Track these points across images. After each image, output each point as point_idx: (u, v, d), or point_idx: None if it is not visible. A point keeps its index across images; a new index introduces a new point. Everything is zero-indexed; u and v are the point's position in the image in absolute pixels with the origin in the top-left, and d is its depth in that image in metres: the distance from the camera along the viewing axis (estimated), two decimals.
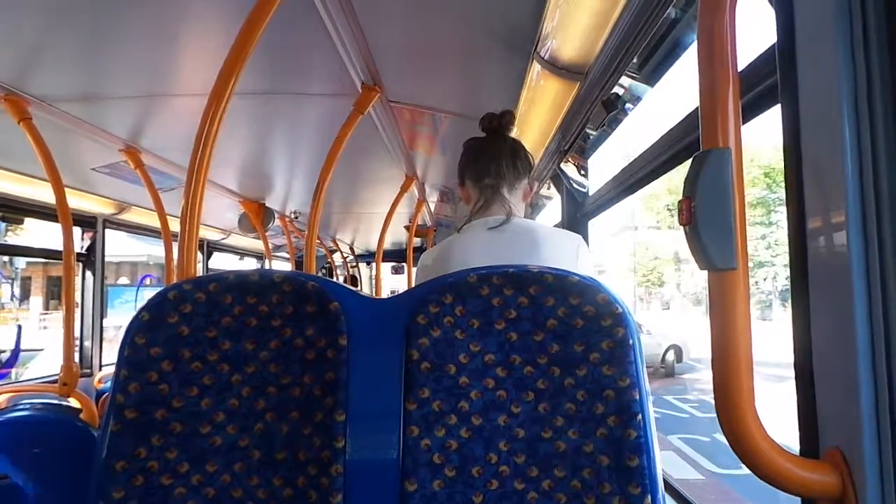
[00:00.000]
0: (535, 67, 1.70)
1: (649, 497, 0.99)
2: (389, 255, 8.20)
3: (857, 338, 0.60)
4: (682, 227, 0.63)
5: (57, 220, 2.55)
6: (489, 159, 1.50)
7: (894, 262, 0.59)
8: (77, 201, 3.46)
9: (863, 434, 0.59)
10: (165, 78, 2.08)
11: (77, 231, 3.36)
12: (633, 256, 35.97)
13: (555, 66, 1.64)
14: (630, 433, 1.01)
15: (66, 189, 2.52)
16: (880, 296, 0.60)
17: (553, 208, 3.71)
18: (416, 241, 5.64)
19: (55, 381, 2.54)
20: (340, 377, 1.07)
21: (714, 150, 0.62)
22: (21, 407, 2.29)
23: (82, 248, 3.91)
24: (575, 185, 2.60)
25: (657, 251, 35.35)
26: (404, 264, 7.02)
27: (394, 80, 2.14)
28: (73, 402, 2.56)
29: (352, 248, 8.77)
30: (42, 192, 3.11)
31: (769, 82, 0.90)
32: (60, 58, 1.89)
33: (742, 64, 0.84)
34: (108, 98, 2.22)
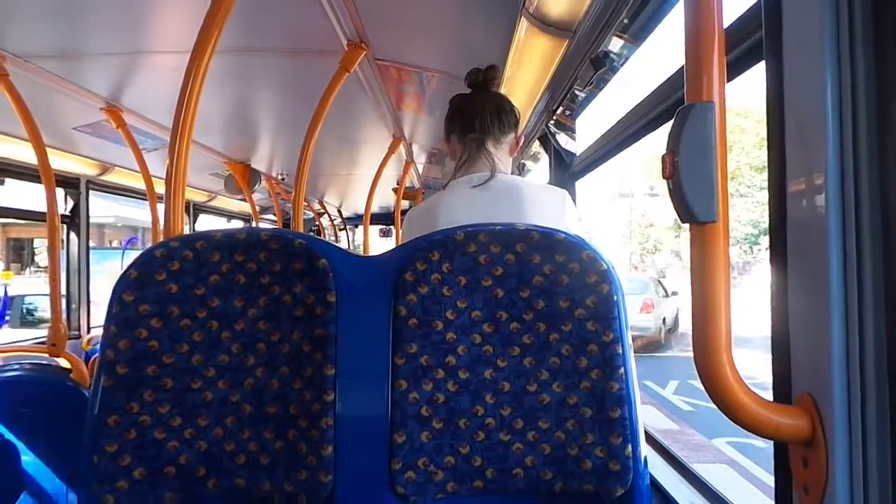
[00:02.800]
0: (524, 24, 1.68)
1: (630, 446, 1.03)
2: (377, 219, 8.18)
3: (831, 289, 0.62)
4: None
5: (39, 181, 2.52)
6: (474, 113, 1.50)
7: (870, 218, 0.61)
8: (60, 162, 3.41)
9: (833, 380, 0.62)
10: (146, 33, 2.03)
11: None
12: (629, 225, 35.50)
13: (543, 23, 1.62)
14: (613, 386, 1.04)
15: (48, 149, 2.48)
16: (855, 250, 0.62)
17: (541, 169, 3.70)
18: (404, 203, 5.63)
19: (44, 343, 2.54)
20: (329, 333, 1.08)
21: (698, 103, 0.63)
22: (10, 368, 2.30)
23: (66, 209, 3.87)
24: (563, 146, 2.59)
25: (652, 218, 34.99)
26: (392, 227, 7.02)
27: (380, 37, 2.10)
28: (63, 363, 2.58)
29: (339, 212, 8.73)
30: (19, 152, 3.05)
31: (755, 38, 0.90)
32: (37, 12, 1.84)
33: (729, 19, 0.84)
34: (88, 54, 2.17)
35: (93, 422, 1.05)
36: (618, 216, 36.60)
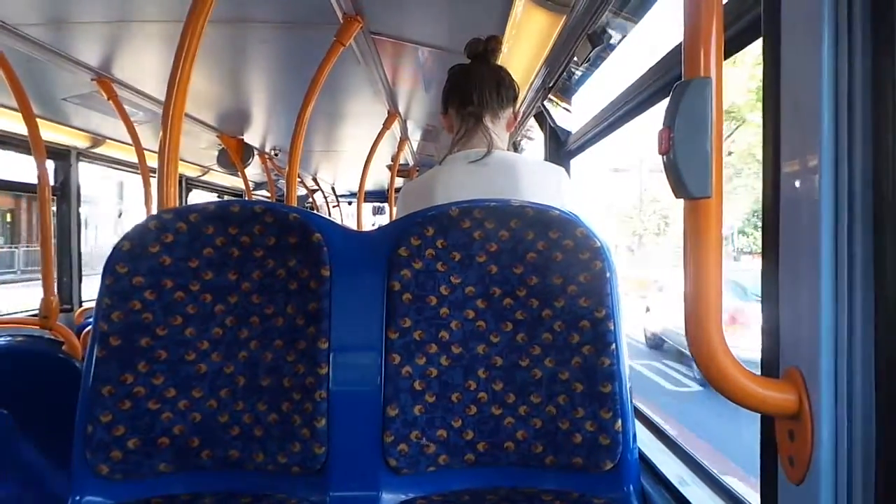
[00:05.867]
0: None
1: (620, 421, 1.04)
2: (372, 196, 8.15)
3: (821, 266, 0.63)
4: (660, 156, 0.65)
5: (28, 152, 2.49)
6: (472, 86, 1.48)
7: (862, 198, 0.62)
8: (50, 134, 3.36)
9: (820, 355, 0.63)
10: (137, 1, 1.99)
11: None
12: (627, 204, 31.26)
13: None
14: (604, 361, 1.05)
15: (37, 120, 2.44)
16: (846, 229, 0.62)
17: (534, 147, 3.69)
18: (398, 181, 5.61)
19: (36, 316, 2.53)
20: (323, 307, 1.09)
21: (695, 79, 0.62)
22: (2, 339, 2.30)
23: (57, 182, 3.82)
24: (558, 123, 2.58)
25: (656, 193, 32.08)
26: (385, 205, 6.99)
27: (376, 10, 2.07)
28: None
29: (333, 189, 8.69)
30: (7, 123, 3.01)
31: (754, 14, 0.90)
32: None
33: None
34: (78, 22, 2.13)
35: (87, 392, 1.05)
36: (611, 194, 32.87)
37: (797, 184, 0.68)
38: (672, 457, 1.33)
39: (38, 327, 2.52)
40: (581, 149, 2.38)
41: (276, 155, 5.19)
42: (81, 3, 1.99)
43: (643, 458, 1.28)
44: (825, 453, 0.63)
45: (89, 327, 1.13)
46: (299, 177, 6.16)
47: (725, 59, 0.68)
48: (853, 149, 0.62)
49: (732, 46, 0.96)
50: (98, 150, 3.92)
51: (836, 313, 0.63)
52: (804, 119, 0.66)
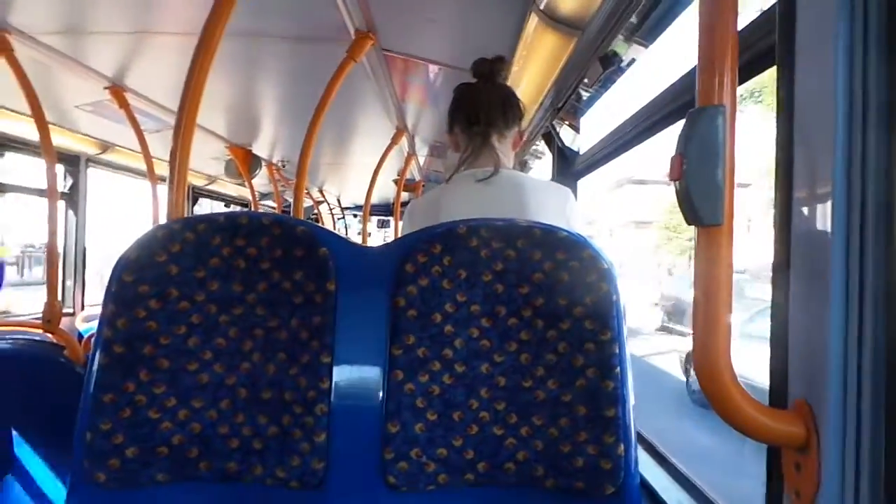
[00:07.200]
0: (533, 20, 1.68)
1: (622, 446, 1.03)
2: (376, 210, 8.17)
3: (832, 298, 0.62)
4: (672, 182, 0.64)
5: (39, 157, 2.51)
6: (479, 105, 1.48)
7: (874, 229, 0.61)
8: (59, 139, 3.40)
9: (829, 387, 0.62)
10: (154, 14, 2.02)
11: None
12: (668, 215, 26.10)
13: (553, 20, 1.61)
14: (608, 385, 1.04)
15: (49, 126, 2.47)
16: (858, 260, 0.62)
17: (542, 166, 3.70)
18: (404, 196, 5.62)
19: (39, 319, 2.54)
20: (327, 321, 1.08)
21: (709, 107, 0.63)
22: (4, 342, 2.30)
23: (65, 187, 3.85)
24: (566, 144, 2.59)
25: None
26: (390, 219, 7.01)
27: (388, 28, 2.09)
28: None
29: (338, 201, 8.72)
30: (17, 127, 3.04)
31: (767, 42, 0.90)
32: None
33: (742, 22, 0.84)
34: (93, 32, 2.16)
35: (88, 399, 1.05)
36: (649, 208, 28.88)
37: (809, 212, 0.67)
38: (675, 484, 1.31)
39: (40, 331, 2.52)
40: (589, 169, 2.39)
41: (283, 166, 5.23)
42: (100, 13, 2.01)
43: (645, 484, 1.27)
44: (832, 488, 0.62)
45: (91, 332, 1.12)
46: (306, 188, 6.20)
47: (739, 85, 0.68)
48: (866, 177, 0.62)
49: (746, 73, 0.96)
50: (107, 157, 3.96)
51: (845, 344, 0.62)
52: (817, 146, 0.66)
